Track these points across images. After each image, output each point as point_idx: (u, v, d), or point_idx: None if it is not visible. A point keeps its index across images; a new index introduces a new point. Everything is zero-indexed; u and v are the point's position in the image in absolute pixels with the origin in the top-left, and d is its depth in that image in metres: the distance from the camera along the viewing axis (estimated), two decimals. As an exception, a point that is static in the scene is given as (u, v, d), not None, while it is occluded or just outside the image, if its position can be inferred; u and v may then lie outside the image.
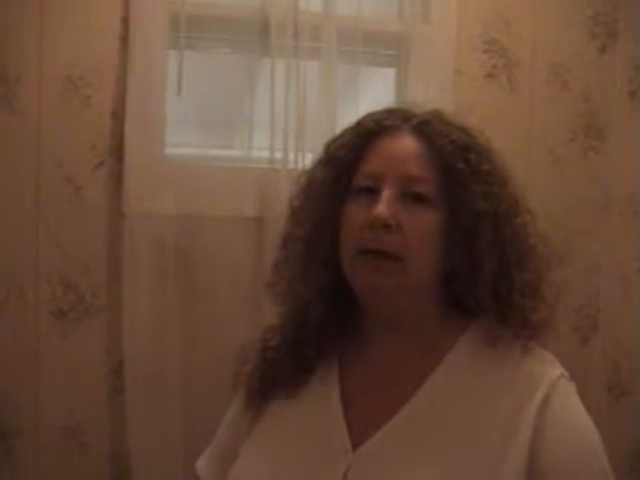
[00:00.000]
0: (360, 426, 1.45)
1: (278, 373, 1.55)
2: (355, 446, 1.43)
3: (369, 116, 1.54)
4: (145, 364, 2.59)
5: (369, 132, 1.51)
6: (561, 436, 1.39)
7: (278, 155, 2.71)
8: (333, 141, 1.55)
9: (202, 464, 1.67)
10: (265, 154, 2.72)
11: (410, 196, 1.44)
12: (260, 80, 2.76)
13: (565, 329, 3.04)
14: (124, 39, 2.60)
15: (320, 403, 1.50)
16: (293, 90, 2.69)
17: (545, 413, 1.38)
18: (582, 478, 1.37)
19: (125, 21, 2.60)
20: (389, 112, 1.53)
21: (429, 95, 2.79)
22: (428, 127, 1.49)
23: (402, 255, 1.41)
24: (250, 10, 2.71)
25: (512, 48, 2.97)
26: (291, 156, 2.70)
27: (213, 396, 2.64)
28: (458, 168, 1.45)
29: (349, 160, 1.50)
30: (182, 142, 2.77)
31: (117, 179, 2.61)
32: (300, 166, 2.66)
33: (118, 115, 2.61)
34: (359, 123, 1.54)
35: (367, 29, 2.81)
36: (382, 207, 1.41)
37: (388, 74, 3.03)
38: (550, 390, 1.41)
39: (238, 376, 1.63)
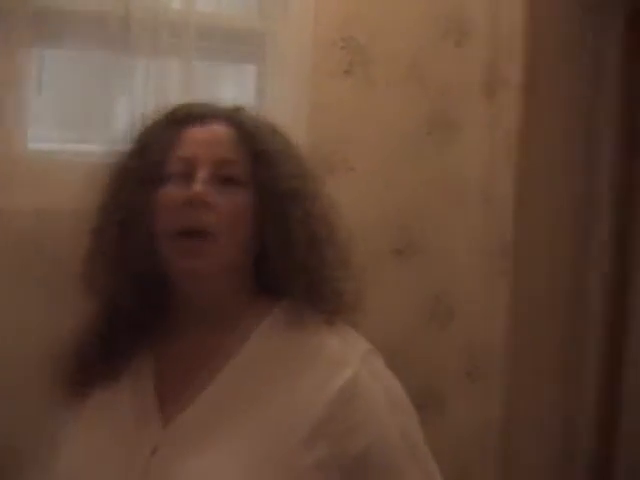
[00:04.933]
0: (171, 409, 1.52)
1: (94, 366, 1.62)
2: (167, 423, 1.51)
3: (181, 106, 1.65)
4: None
5: (181, 120, 1.60)
6: (375, 413, 1.49)
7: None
8: (144, 131, 1.65)
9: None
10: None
11: (222, 178, 1.53)
12: (121, 76, 2.78)
13: (423, 317, 3.14)
14: (-16, 36, 2.59)
15: (136, 389, 1.57)
16: (153, 86, 2.72)
17: (355, 392, 1.49)
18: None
19: (-16, 18, 2.59)
20: (200, 104, 1.66)
21: (288, 91, 2.85)
22: (238, 114, 1.61)
23: (216, 232, 1.50)
24: (110, 7, 2.72)
25: (369, 45, 3.04)
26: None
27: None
28: (268, 149, 1.56)
29: (161, 148, 1.58)
30: (44, 138, 2.77)
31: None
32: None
33: (-23, 111, 2.60)
34: (171, 112, 1.64)
35: (227, 26, 2.85)
36: (197, 186, 1.49)
37: (250, 71, 3.08)
38: (357, 370, 1.51)
39: (55, 374, 1.66)
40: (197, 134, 1.56)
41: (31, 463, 1.69)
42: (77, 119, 2.83)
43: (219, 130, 1.57)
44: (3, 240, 2.56)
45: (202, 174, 1.50)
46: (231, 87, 2.99)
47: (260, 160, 1.55)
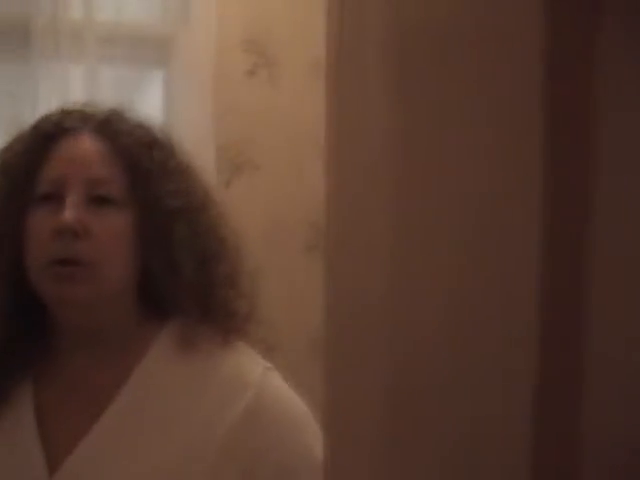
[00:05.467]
0: (58, 448, 1.37)
1: None
2: (54, 469, 1.36)
3: (46, 119, 1.44)
4: None
5: (48, 136, 1.41)
6: (281, 431, 1.40)
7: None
8: (8, 148, 1.44)
9: None
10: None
11: (96, 199, 1.37)
12: (26, 86, 2.80)
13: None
14: None
15: (14, 431, 1.40)
16: (58, 95, 2.74)
17: (259, 412, 1.38)
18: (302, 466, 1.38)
19: None
20: (67, 113, 1.45)
21: (193, 95, 2.89)
22: (110, 126, 1.42)
23: (93, 261, 1.34)
24: (11, 17, 2.75)
25: (271, 46, 3.09)
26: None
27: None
28: (145, 167, 1.40)
29: (28, 167, 1.39)
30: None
31: None
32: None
33: None
34: (36, 127, 1.43)
35: (130, 33, 2.88)
36: (68, 213, 1.33)
37: (156, 76, 3.12)
38: (259, 390, 1.40)
39: None
40: (66, 151, 1.39)
41: None
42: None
43: (90, 145, 1.39)
44: None
45: (72, 197, 1.34)
46: (138, 93, 3.01)
47: (137, 176, 1.39)
